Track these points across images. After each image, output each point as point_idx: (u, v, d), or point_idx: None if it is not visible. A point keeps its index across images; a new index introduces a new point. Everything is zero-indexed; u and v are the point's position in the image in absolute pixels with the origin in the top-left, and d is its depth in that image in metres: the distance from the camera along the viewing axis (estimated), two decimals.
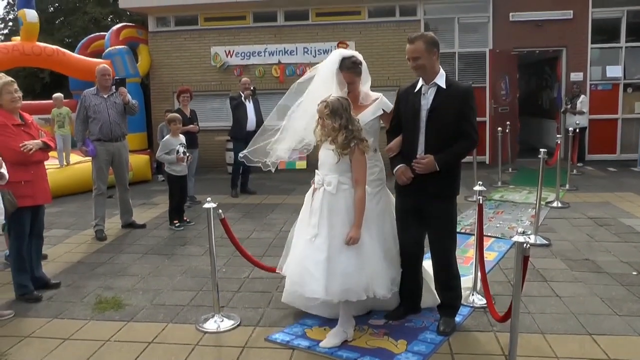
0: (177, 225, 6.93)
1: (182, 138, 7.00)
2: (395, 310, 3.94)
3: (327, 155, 3.52)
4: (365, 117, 3.79)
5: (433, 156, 3.52)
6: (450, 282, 3.80)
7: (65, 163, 9.85)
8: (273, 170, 4.08)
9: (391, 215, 3.88)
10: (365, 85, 3.96)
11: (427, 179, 3.57)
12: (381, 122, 3.95)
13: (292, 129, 3.97)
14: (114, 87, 6.69)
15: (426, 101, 3.60)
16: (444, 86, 3.58)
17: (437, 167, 3.52)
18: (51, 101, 10.47)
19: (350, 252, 3.40)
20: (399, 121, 3.77)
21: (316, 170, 3.64)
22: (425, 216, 3.71)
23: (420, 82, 3.67)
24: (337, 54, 3.90)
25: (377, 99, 3.90)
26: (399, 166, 3.68)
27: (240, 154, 4.23)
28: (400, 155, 3.72)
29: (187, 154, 6.97)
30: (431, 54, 3.54)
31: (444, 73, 3.64)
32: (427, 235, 3.83)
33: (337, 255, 3.39)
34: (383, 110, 3.88)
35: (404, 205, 3.77)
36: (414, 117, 3.61)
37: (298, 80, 4.18)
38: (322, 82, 3.86)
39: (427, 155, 3.55)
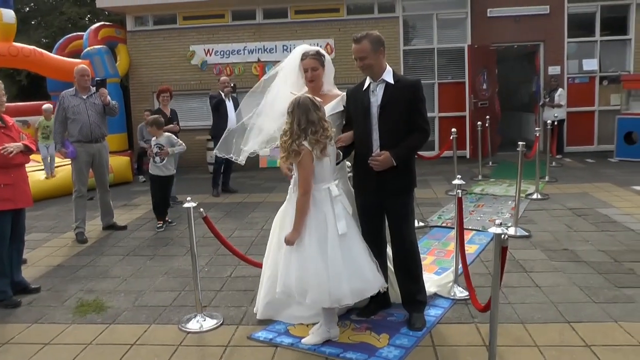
0: (158, 226, 6.90)
1: (162, 139, 6.87)
2: (366, 308, 3.93)
3: None
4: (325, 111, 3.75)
5: (389, 152, 3.56)
6: (414, 272, 3.82)
7: (51, 173, 9.50)
8: (243, 162, 4.16)
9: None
10: (329, 83, 3.95)
11: (385, 176, 3.61)
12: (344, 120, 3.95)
13: (257, 127, 3.98)
14: (94, 87, 6.61)
15: (376, 98, 3.64)
16: (392, 82, 3.63)
17: (394, 162, 3.56)
18: (30, 103, 10.29)
19: (290, 254, 3.40)
20: (351, 119, 3.81)
21: None
22: (386, 211, 3.78)
23: (368, 81, 3.72)
24: (300, 48, 3.93)
25: (339, 95, 3.88)
26: None
27: (215, 152, 4.26)
28: (356, 153, 3.79)
29: (160, 149, 6.80)
30: (377, 53, 3.60)
31: (391, 69, 3.70)
32: (388, 230, 3.87)
33: (281, 255, 3.45)
34: (344, 107, 3.87)
35: (363, 202, 3.79)
36: (364, 115, 3.65)
37: (263, 77, 4.18)
38: (285, 77, 3.88)
39: (383, 152, 3.58)
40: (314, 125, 3.31)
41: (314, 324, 3.71)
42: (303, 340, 3.56)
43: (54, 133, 6.71)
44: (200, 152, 11.91)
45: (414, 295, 3.83)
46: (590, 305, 3.99)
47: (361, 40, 3.59)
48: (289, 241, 3.38)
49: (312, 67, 3.81)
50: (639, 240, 5.54)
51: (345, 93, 3.90)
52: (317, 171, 3.38)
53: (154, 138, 6.88)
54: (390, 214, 3.79)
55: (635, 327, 3.61)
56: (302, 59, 3.84)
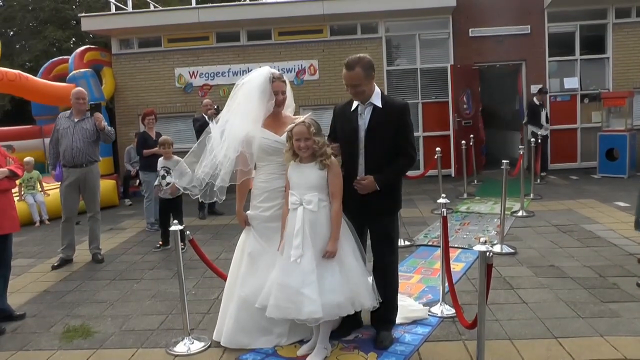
0: (157, 247, 6.96)
1: (171, 162, 6.71)
2: (340, 328, 3.87)
3: (303, 174, 3.51)
4: None
5: (373, 177, 3.58)
6: (387, 294, 3.77)
7: (45, 218, 9.17)
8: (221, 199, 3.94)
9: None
10: (287, 107, 3.90)
11: (370, 198, 3.63)
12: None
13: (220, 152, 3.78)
14: (88, 112, 6.46)
15: (363, 121, 3.65)
16: (380, 105, 3.63)
17: (377, 187, 3.59)
18: (15, 127, 10.14)
19: (334, 267, 3.45)
20: (336, 137, 3.82)
21: (290, 192, 3.56)
22: (369, 232, 3.82)
23: (356, 102, 3.71)
24: (266, 70, 3.79)
25: (297, 117, 3.76)
26: None
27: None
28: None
29: (168, 183, 6.68)
30: (369, 79, 3.58)
31: (379, 91, 3.69)
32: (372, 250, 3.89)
33: (323, 273, 3.42)
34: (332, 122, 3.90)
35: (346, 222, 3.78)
36: (352, 138, 3.67)
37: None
38: (249, 100, 3.72)
39: (367, 176, 3.60)
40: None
41: (301, 344, 3.72)
42: None
43: (48, 154, 6.59)
44: None
45: (382, 313, 3.80)
46: (576, 320, 4.03)
47: (354, 67, 3.52)
48: (333, 252, 3.44)
49: (282, 90, 3.75)
50: (622, 255, 5.61)
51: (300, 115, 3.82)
52: None
53: (161, 159, 6.88)
54: (373, 235, 3.82)
55: (620, 340, 3.66)
56: (272, 82, 3.71)
